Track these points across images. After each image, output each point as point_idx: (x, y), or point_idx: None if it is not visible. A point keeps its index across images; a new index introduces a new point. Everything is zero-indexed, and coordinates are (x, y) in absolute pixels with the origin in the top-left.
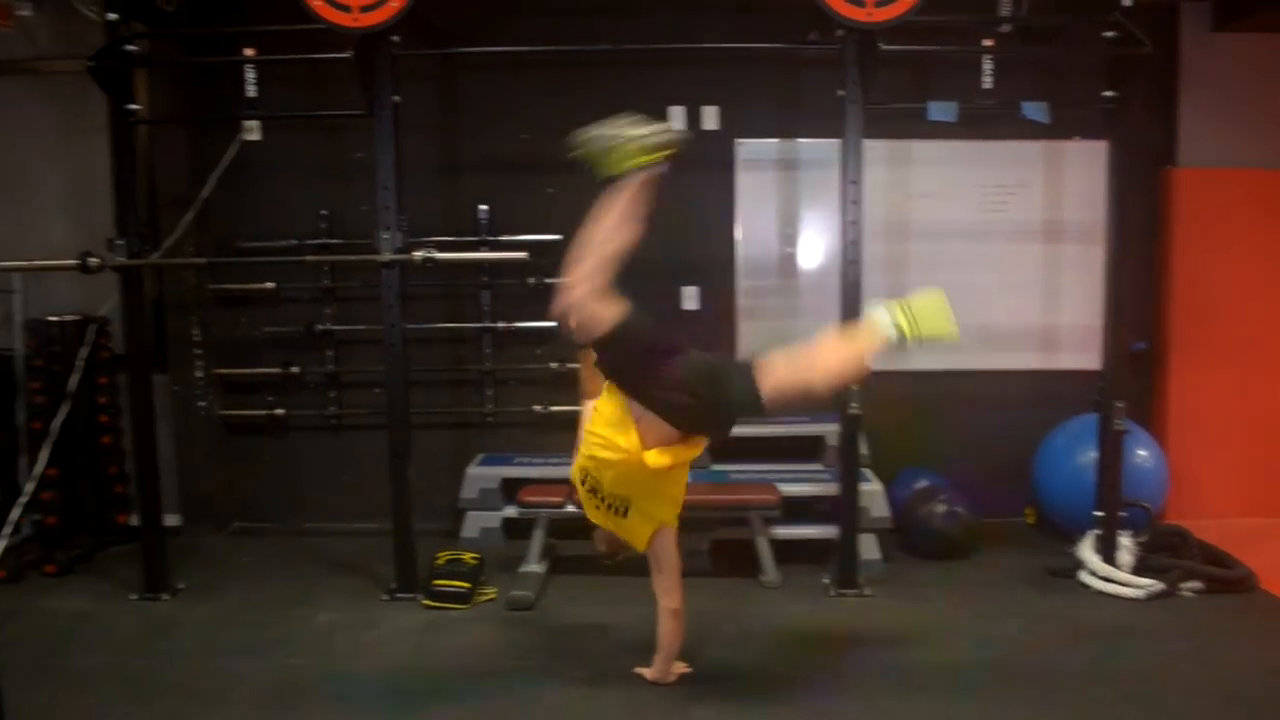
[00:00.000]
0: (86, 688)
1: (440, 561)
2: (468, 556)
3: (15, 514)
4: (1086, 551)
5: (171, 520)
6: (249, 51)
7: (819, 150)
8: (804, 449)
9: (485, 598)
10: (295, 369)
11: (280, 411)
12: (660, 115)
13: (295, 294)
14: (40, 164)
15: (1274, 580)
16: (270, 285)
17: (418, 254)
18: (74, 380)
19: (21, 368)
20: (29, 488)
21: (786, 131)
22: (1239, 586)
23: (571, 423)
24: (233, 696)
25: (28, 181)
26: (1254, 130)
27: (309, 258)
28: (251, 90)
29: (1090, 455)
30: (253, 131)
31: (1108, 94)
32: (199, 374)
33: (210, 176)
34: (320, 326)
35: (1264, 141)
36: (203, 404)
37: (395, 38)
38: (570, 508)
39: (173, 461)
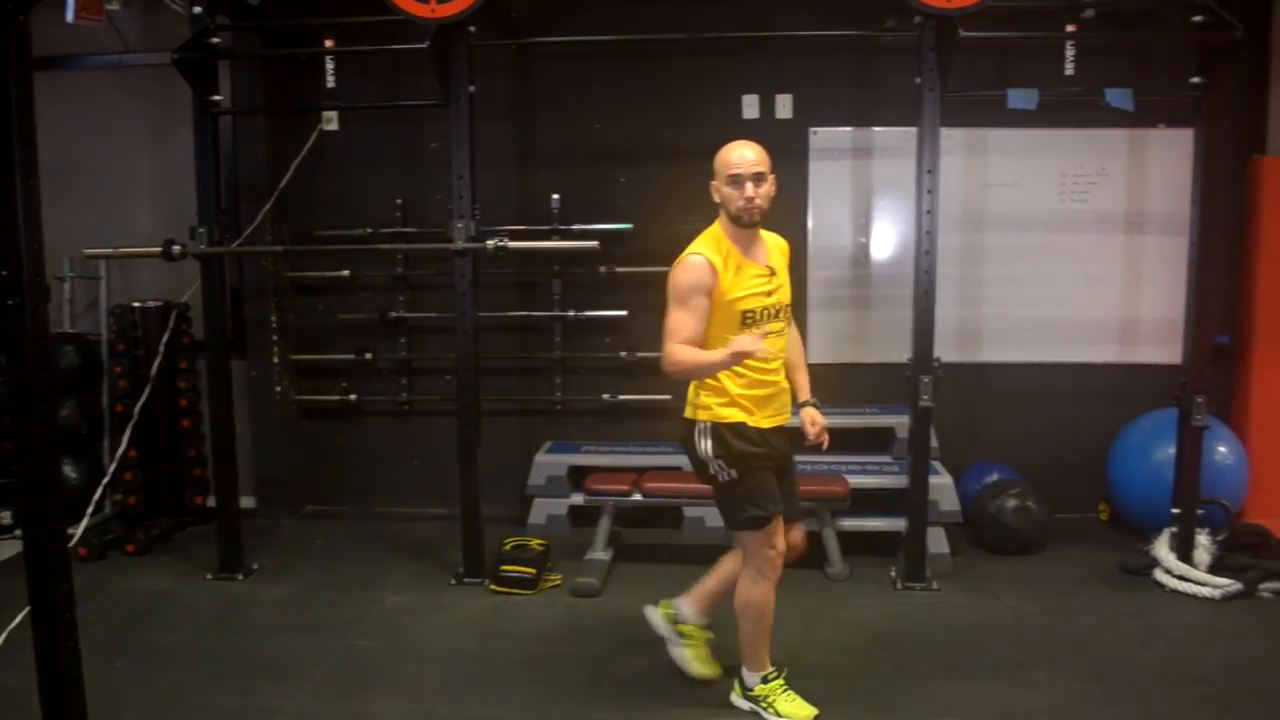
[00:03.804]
0: (163, 663)
1: (507, 547)
2: (534, 543)
3: (98, 494)
4: (1162, 549)
5: (247, 503)
6: (329, 43)
7: (894, 139)
8: (874, 440)
9: (551, 584)
10: (368, 355)
11: (353, 397)
12: (734, 103)
13: (370, 281)
14: (126, 155)
15: None
16: (345, 273)
17: (490, 242)
18: (155, 365)
19: (106, 352)
20: (111, 469)
21: (861, 120)
22: None
23: (639, 411)
24: (304, 674)
25: (115, 172)
26: None
27: (384, 246)
28: (330, 81)
29: (1168, 451)
30: (331, 122)
31: (1196, 80)
32: (275, 360)
33: (289, 166)
34: (394, 314)
35: None
36: (279, 389)
37: (472, 28)
38: (636, 496)
39: (249, 445)
